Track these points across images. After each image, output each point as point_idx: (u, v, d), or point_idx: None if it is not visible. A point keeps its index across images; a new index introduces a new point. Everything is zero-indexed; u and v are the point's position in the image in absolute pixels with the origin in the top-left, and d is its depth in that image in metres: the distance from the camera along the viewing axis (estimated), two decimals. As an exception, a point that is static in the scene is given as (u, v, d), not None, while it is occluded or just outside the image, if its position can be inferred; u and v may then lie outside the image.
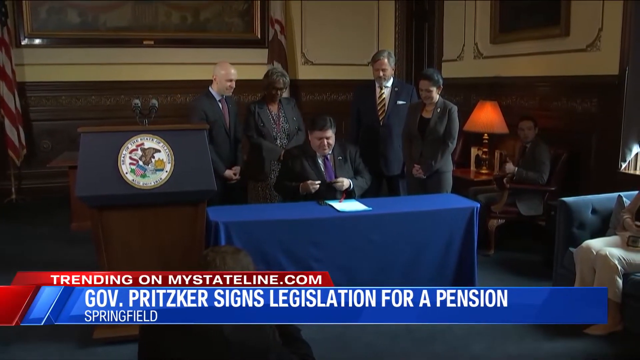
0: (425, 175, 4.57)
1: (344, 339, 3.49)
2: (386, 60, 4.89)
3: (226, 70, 4.55)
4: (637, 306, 3.43)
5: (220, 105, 4.61)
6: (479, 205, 4.02)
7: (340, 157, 4.32)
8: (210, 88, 4.62)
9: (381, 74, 4.90)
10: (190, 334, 1.80)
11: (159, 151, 3.27)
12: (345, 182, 4.19)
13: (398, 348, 3.41)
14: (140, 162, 3.24)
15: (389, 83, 4.99)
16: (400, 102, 4.94)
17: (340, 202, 4.00)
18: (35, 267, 4.67)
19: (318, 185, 4.09)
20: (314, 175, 4.19)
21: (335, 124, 4.24)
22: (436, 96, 4.58)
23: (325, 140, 4.17)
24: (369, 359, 3.31)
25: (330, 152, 4.27)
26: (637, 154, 4.62)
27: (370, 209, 3.84)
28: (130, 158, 3.23)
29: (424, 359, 3.29)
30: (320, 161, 4.27)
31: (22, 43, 6.94)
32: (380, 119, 4.98)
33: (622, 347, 3.37)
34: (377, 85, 5.00)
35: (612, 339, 3.43)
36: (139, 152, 3.24)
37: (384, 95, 5.00)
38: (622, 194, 3.97)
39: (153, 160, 3.26)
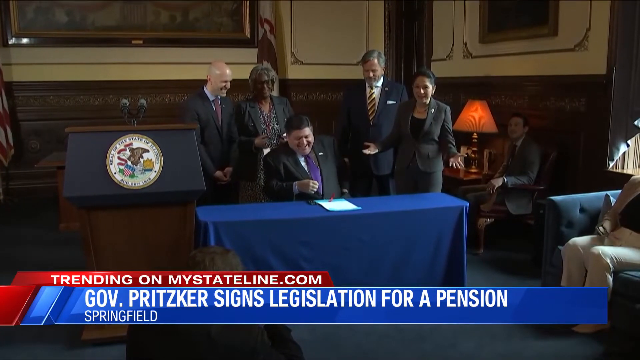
0: (460, 164, 4.48)
1: (334, 340, 3.49)
2: (376, 60, 4.88)
3: (221, 70, 4.51)
4: (625, 303, 3.45)
5: (214, 106, 4.58)
6: (468, 204, 4.03)
7: (322, 153, 4.31)
8: (204, 88, 4.59)
9: (371, 74, 4.90)
10: (177, 335, 1.79)
11: (148, 151, 3.26)
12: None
13: (387, 348, 3.42)
14: (129, 162, 3.22)
15: (379, 83, 4.99)
16: (390, 102, 4.95)
17: (329, 201, 3.99)
18: (23, 267, 4.63)
19: (317, 186, 4.07)
20: (298, 175, 4.18)
21: (310, 121, 4.22)
22: (430, 94, 4.56)
23: (304, 140, 4.15)
24: (358, 359, 3.31)
25: (309, 151, 4.26)
26: (624, 152, 4.65)
27: (360, 208, 3.85)
28: (119, 158, 3.21)
29: (413, 359, 3.29)
30: (302, 160, 4.25)
31: (9, 42, 6.88)
32: (370, 118, 4.98)
33: (610, 344, 3.39)
34: (367, 85, 5.00)
35: (600, 336, 3.45)
36: (128, 152, 3.23)
37: (374, 95, 5.00)
38: (609, 193, 4.01)
39: (142, 160, 3.24)
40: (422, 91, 4.51)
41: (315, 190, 4.09)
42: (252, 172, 4.68)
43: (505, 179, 4.93)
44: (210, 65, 4.59)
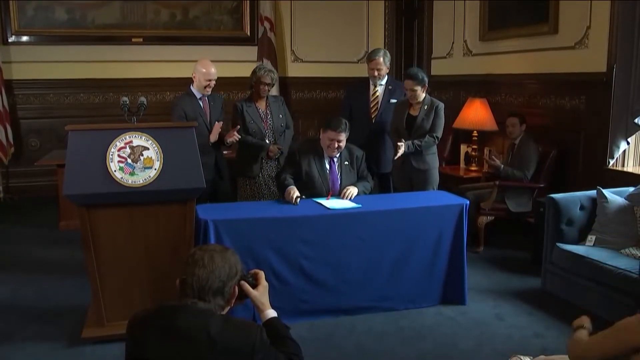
0: (405, 150, 4.52)
1: (333, 338, 3.49)
2: (381, 59, 4.89)
3: (206, 69, 4.49)
4: (623, 300, 3.45)
5: (201, 103, 4.57)
6: (468, 202, 4.03)
7: (347, 162, 4.26)
8: (190, 86, 4.59)
9: (376, 73, 4.91)
10: (176, 334, 1.79)
11: (148, 149, 3.25)
12: (354, 191, 4.10)
13: (387, 346, 3.42)
14: (129, 160, 3.22)
15: (383, 81, 5.00)
16: (393, 101, 4.95)
17: (327, 199, 3.98)
18: (23, 266, 4.66)
19: (299, 201, 3.90)
20: (317, 174, 4.16)
21: (349, 127, 4.14)
22: (422, 95, 4.60)
23: (336, 143, 4.10)
24: (358, 357, 3.31)
25: (337, 155, 4.22)
26: (624, 150, 4.65)
27: (360, 206, 3.84)
28: (119, 156, 3.21)
29: (412, 357, 3.29)
30: (326, 162, 4.22)
31: (9, 40, 6.87)
32: (372, 116, 4.99)
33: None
34: (371, 83, 5.00)
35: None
36: (128, 150, 3.23)
37: (377, 93, 5.00)
38: (603, 189, 4.04)
39: (142, 158, 3.24)
40: (409, 94, 4.61)
41: (296, 204, 3.89)
42: (252, 169, 4.68)
43: (502, 166, 5.07)
44: (195, 64, 4.57)
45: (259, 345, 1.83)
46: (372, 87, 5.01)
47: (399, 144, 4.52)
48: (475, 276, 4.38)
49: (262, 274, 2.17)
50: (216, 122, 4.57)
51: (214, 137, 4.53)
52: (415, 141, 4.56)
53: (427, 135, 4.59)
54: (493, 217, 5.09)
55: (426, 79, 4.62)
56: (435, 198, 4.22)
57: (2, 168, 6.87)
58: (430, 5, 7.13)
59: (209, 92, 4.58)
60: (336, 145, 4.11)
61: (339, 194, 4.12)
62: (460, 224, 3.93)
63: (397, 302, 3.88)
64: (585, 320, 2.42)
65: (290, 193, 3.94)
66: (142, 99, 3.69)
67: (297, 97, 7.94)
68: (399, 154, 4.52)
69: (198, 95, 4.56)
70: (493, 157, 5.24)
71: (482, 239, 5.07)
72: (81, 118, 6.82)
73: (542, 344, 3.41)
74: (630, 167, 4.71)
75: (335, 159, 4.23)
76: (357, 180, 4.27)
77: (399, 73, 7.68)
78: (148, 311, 1.91)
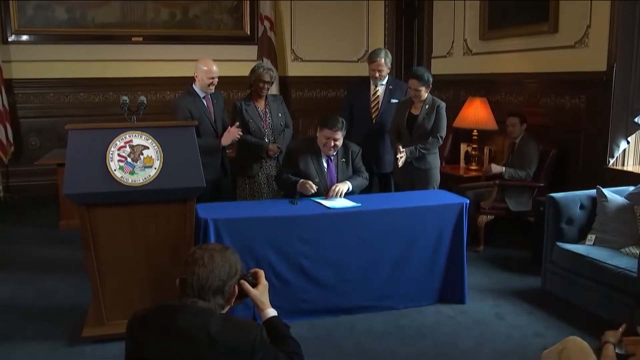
0: (408, 155, 4.52)
1: (333, 338, 3.49)
2: (383, 60, 4.89)
3: (208, 67, 4.47)
4: (623, 299, 3.45)
5: (205, 102, 4.57)
6: (468, 201, 4.03)
7: (344, 160, 4.27)
8: (193, 85, 4.57)
9: (377, 74, 4.91)
10: (176, 333, 1.79)
11: (148, 148, 3.25)
12: (344, 187, 4.09)
13: (387, 345, 3.42)
14: (129, 159, 3.22)
15: (384, 81, 4.99)
16: (394, 101, 4.94)
17: (325, 198, 3.97)
18: (23, 266, 4.65)
19: (315, 189, 3.98)
20: (315, 173, 4.16)
21: (346, 126, 4.15)
22: (425, 95, 4.60)
23: (333, 142, 4.10)
24: (358, 357, 3.31)
25: (334, 154, 4.22)
26: (624, 150, 4.65)
27: (360, 205, 3.84)
28: (119, 155, 3.21)
29: (412, 356, 3.29)
30: (324, 160, 4.22)
31: (9, 39, 6.87)
32: (373, 116, 4.99)
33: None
34: (371, 83, 5.00)
35: (598, 333, 3.45)
36: (128, 149, 3.23)
37: (378, 93, 5.00)
38: (603, 188, 4.04)
39: (142, 157, 3.24)
40: (413, 93, 4.60)
41: (313, 191, 4.00)
42: (252, 168, 4.68)
43: (504, 169, 5.04)
44: (196, 62, 4.56)
45: (259, 344, 1.83)
46: (372, 86, 5.01)
47: (398, 156, 4.49)
48: (475, 275, 4.38)
49: (262, 273, 2.17)
50: (231, 128, 4.52)
51: (226, 141, 4.52)
52: (419, 145, 4.55)
53: (431, 137, 4.58)
54: (493, 216, 5.09)
55: (431, 80, 4.62)
56: (435, 197, 4.21)
57: (2, 167, 6.87)
58: (430, 4, 7.13)
59: (212, 90, 4.57)
60: (332, 144, 4.12)
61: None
62: (460, 223, 3.93)
63: (397, 301, 3.88)
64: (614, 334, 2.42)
65: (304, 182, 4.00)
66: (142, 98, 3.68)
67: (297, 96, 7.93)
68: (400, 163, 4.51)
69: (201, 95, 4.55)
70: (492, 165, 5.22)
71: (482, 238, 5.07)
72: (81, 117, 6.83)
73: (542, 343, 3.40)
74: (630, 167, 4.71)
75: (332, 157, 4.23)
76: (352, 175, 4.27)
77: (399, 72, 7.69)
78: (148, 310, 1.91)
